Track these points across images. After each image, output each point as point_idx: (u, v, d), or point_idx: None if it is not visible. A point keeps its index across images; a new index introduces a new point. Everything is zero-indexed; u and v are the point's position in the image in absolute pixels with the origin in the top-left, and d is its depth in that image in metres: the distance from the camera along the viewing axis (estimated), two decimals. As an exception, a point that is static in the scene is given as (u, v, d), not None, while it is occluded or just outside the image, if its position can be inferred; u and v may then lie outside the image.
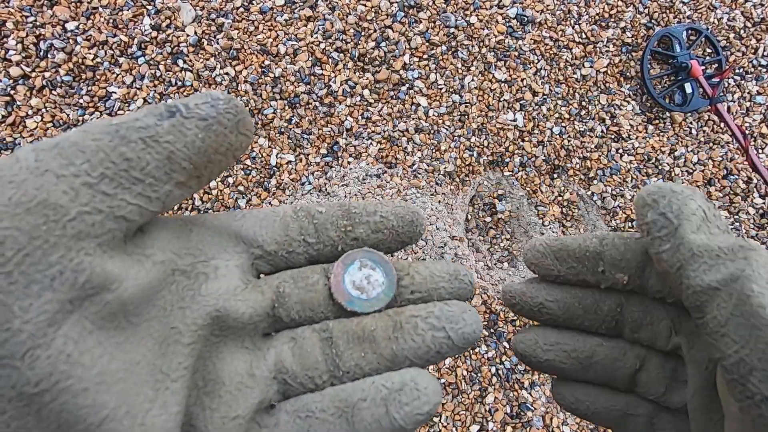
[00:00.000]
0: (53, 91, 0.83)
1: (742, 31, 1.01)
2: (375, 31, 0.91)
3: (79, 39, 0.85)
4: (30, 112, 0.82)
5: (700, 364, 0.18)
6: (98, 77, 0.85)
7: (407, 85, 0.91)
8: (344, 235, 0.19)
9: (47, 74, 0.83)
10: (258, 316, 0.17)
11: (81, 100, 0.84)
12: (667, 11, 1.00)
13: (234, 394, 0.16)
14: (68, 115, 0.83)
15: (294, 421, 0.16)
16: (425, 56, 0.92)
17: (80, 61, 0.84)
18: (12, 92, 0.82)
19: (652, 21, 1.00)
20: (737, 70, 1.01)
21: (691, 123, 0.99)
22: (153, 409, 0.14)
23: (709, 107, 0.96)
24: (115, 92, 0.85)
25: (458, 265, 0.20)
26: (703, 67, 0.97)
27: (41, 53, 0.83)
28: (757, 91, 1.01)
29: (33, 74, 0.83)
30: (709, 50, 1.02)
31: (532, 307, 0.22)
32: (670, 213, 0.17)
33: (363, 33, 0.91)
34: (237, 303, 0.17)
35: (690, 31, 1.00)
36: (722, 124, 0.97)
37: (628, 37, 0.99)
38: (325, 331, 0.18)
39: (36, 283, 0.12)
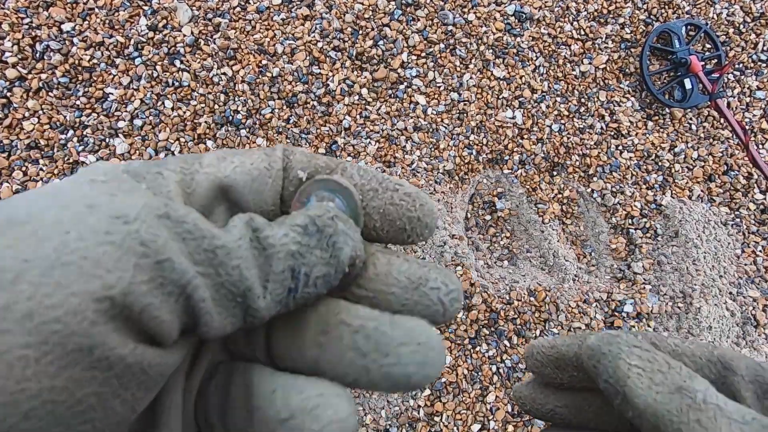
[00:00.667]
0: (50, 93, 0.83)
1: (741, 26, 1.01)
2: (372, 29, 0.91)
3: (75, 40, 0.84)
4: (27, 114, 0.82)
5: None
6: (95, 78, 0.84)
7: (405, 83, 0.91)
8: None
9: (44, 76, 0.83)
10: None
11: (78, 102, 0.83)
12: (666, 7, 1.00)
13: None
14: (65, 117, 0.83)
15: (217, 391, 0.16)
16: (423, 54, 0.92)
17: (77, 62, 0.84)
18: (8, 94, 0.81)
19: (651, 17, 0.99)
20: (737, 66, 1.00)
21: (690, 119, 0.99)
22: None
23: (709, 103, 0.95)
24: (112, 93, 0.84)
25: (439, 271, 0.15)
26: (703, 63, 0.97)
27: (37, 55, 0.83)
28: (757, 86, 1.00)
29: (29, 76, 0.82)
30: (708, 46, 1.01)
31: (545, 413, 0.22)
32: (612, 379, 0.18)
33: (360, 31, 0.90)
34: None
35: (689, 27, 0.99)
36: (722, 120, 0.97)
37: (627, 33, 0.98)
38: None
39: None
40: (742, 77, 1.00)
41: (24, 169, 0.81)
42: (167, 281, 0.12)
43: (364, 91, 0.89)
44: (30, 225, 0.12)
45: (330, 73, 0.89)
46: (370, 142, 0.88)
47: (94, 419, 0.11)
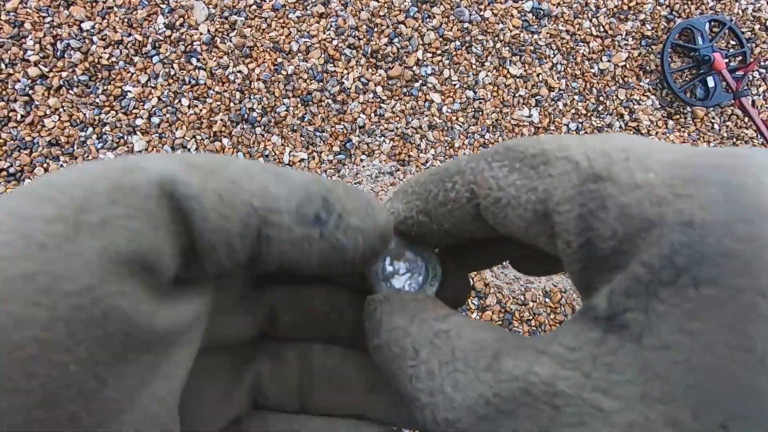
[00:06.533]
0: (70, 91, 0.84)
1: (767, 22, 0.98)
2: (388, 27, 0.90)
3: (94, 39, 0.85)
4: (48, 112, 0.83)
5: None
6: (114, 76, 0.85)
7: (420, 81, 0.90)
8: None
9: (64, 74, 0.84)
10: (246, 335, 0.16)
11: (97, 100, 0.85)
12: (689, 2, 0.97)
13: (211, 412, 0.15)
14: (85, 115, 0.84)
15: None
16: (439, 52, 0.91)
17: (96, 60, 0.85)
18: (30, 92, 0.83)
19: (673, 13, 0.97)
20: (763, 63, 0.98)
21: (713, 118, 0.96)
22: None
23: (733, 101, 0.93)
24: (130, 91, 0.85)
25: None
26: (727, 60, 0.94)
27: (58, 53, 0.84)
28: (784, 84, 0.97)
29: (50, 74, 0.84)
30: (732, 42, 0.98)
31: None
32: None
33: (376, 29, 0.90)
34: (229, 327, 0.15)
35: (713, 23, 0.97)
36: (746, 119, 0.94)
37: (647, 30, 0.96)
38: (305, 357, 0.17)
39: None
40: (768, 75, 0.98)
41: (45, 166, 0.83)
42: (142, 182, 0.11)
43: (379, 89, 0.89)
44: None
45: (345, 71, 0.89)
46: (384, 141, 0.88)
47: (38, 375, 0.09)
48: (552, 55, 0.93)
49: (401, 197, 0.15)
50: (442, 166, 0.14)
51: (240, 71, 0.87)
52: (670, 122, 0.95)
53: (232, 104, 0.86)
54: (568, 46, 0.94)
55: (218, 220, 0.11)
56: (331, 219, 0.12)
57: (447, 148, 0.89)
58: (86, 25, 0.86)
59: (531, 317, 0.82)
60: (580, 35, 0.95)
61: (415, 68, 0.90)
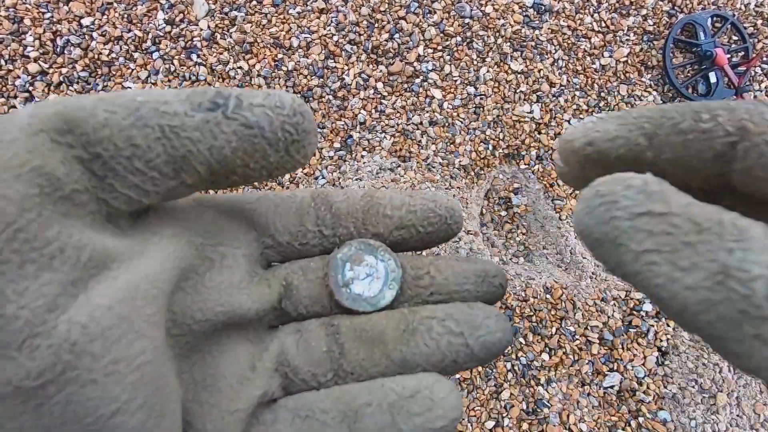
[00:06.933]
0: (70, 87, 0.84)
1: (770, 18, 0.98)
2: (388, 22, 0.90)
3: (94, 35, 0.85)
4: (48, 108, 0.83)
5: None
6: (114, 73, 0.85)
7: (421, 77, 0.90)
8: (364, 230, 0.17)
9: (64, 70, 0.84)
10: (264, 311, 0.16)
11: (97, 96, 0.85)
12: (691, -2, 0.97)
13: (235, 388, 0.15)
14: (85, 111, 0.84)
15: (293, 419, 0.15)
16: (439, 48, 0.91)
17: (96, 56, 0.85)
18: (31, 89, 0.83)
19: (675, 8, 0.97)
20: (765, 58, 0.97)
21: (715, 114, 0.96)
22: (170, 403, 0.13)
23: (735, 97, 0.92)
24: (130, 87, 0.85)
25: (489, 262, 0.18)
26: (729, 56, 0.94)
27: (58, 49, 0.84)
28: (786, 79, 0.97)
29: (50, 70, 0.84)
30: (735, 38, 0.98)
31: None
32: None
33: (376, 25, 0.90)
34: (242, 297, 0.15)
35: (715, 18, 0.96)
36: (748, 115, 0.94)
37: (649, 26, 0.96)
38: (332, 326, 0.16)
39: (32, 263, 0.11)
40: (770, 70, 0.97)
41: (45, 162, 0.83)
42: (22, 112, 0.13)
43: (380, 85, 0.89)
44: None
45: (345, 67, 0.88)
46: (385, 137, 0.88)
47: None
48: (553, 51, 0.93)
49: (615, 120, 0.15)
50: (693, 103, 0.14)
51: (240, 67, 0.87)
52: (672, 118, 0.95)
53: (232, 100, 0.86)
54: (569, 42, 0.94)
55: (103, 114, 0.12)
56: (230, 102, 0.13)
57: (448, 144, 0.88)
58: (86, 21, 0.85)
59: (532, 313, 0.82)
60: (581, 31, 0.94)
61: (415, 64, 0.90)
